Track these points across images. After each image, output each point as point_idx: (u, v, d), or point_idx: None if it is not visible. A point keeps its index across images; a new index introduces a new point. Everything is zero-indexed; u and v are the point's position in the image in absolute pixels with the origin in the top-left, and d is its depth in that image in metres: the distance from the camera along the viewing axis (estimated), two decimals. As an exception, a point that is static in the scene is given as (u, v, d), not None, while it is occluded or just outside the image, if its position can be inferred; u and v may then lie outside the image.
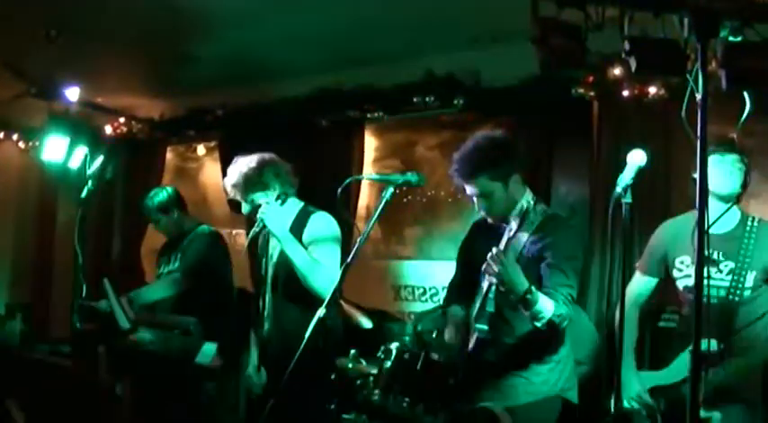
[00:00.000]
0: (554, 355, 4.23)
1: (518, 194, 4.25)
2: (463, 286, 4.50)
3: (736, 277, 4.42)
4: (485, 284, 4.15)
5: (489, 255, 3.93)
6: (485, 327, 4.13)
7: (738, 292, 4.42)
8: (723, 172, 4.42)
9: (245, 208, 5.14)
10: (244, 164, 5.10)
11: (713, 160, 4.36)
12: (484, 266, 3.96)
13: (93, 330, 6.52)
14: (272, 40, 7.17)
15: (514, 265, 3.92)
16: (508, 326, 4.20)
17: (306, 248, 4.90)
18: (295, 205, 5.17)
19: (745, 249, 4.44)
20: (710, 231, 4.31)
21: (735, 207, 4.50)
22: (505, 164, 4.22)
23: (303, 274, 4.80)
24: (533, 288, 3.91)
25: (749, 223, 4.52)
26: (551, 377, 4.21)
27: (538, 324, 3.98)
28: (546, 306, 3.93)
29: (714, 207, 4.33)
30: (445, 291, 5.02)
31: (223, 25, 6.93)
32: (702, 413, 4.13)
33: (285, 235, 4.86)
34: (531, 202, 4.21)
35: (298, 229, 5.01)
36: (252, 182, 5.05)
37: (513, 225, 4.11)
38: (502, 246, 4.05)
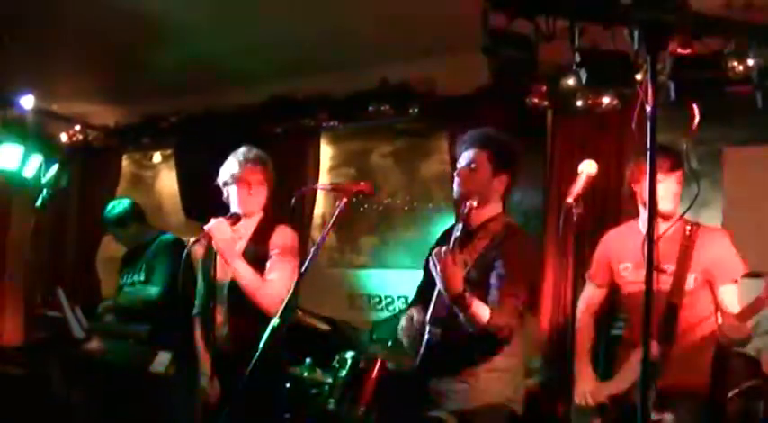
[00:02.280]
0: (500, 364, 4.16)
1: (494, 196, 4.29)
2: (427, 292, 4.36)
3: (676, 280, 4.48)
4: (439, 286, 4.10)
5: (434, 251, 3.98)
6: (437, 330, 4.13)
7: (680, 294, 4.48)
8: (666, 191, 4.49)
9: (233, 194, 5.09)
10: (260, 152, 5.16)
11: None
12: (430, 264, 4.01)
13: (46, 340, 6.49)
14: (227, 47, 7.17)
15: (453, 266, 3.93)
16: (458, 331, 4.09)
17: (264, 259, 4.92)
18: (256, 216, 5.15)
19: (685, 252, 4.51)
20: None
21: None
22: (508, 160, 4.30)
23: (249, 292, 4.80)
24: (467, 293, 3.92)
25: (688, 228, 4.58)
26: (496, 385, 4.15)
27: (471, 330, 3.98)
28: (480, 313, 3.94)
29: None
30: (410, 298, 4.95)
31: (177, 33, 6.91)
32: (653, 416, 4.22)
33: (232, 255, 4.83)
34: (499, 211, 4.30)
35: (259, 238, 5.02)
36: (262, 169, 5.08)
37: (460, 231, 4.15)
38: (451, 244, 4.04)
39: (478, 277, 4.08)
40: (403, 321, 4.40)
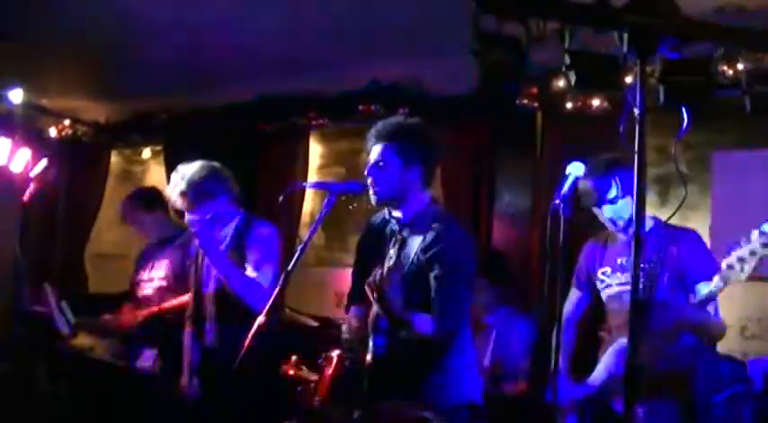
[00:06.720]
0: (451, 364, 4.00)
1: (413, 189, 4.07)
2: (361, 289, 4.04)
3: (649, 279, 4.49)
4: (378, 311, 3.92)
5: (370, 278, 3.71)
6: (382, 341, 3.92)
7: (652, 292, 4.49)
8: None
9: (187, 217, 5.11)
10: (190, 171, 5.10)
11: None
12: (366, 287, 3.74)
13: (33, 335, 6.48)
14: (218, 45, 7.16)
15: (393, 291, 3.71)
16: (404, 341, 3.88)
17: (246, 259, 4.95)
18: (235, 214, 5.17)
19: (657, 252, 4.51)
20: (624, 235, 4.52)
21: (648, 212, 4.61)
22: (417, 149, 4.06)
23: (238, 292, 4.82)
24: (407, 314, 3.76)
25: (661, 229, 4.58)
26: (453, 386, 4.01)
27: (416, 341, 3.83)
28: (423, 327, 3.81)
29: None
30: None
31: (168, 30, 6.89)
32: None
33: (217, 254, 4.85)
34: (425, 203, 4.10)
35: (239, 238, 5.04)
36: (202, 190, 5.05)
37: (396, 227, 4.08)
38: (392, 259, 3.98)
39: (415, 278, 3.91)
40: (344, 326, 4.29)
